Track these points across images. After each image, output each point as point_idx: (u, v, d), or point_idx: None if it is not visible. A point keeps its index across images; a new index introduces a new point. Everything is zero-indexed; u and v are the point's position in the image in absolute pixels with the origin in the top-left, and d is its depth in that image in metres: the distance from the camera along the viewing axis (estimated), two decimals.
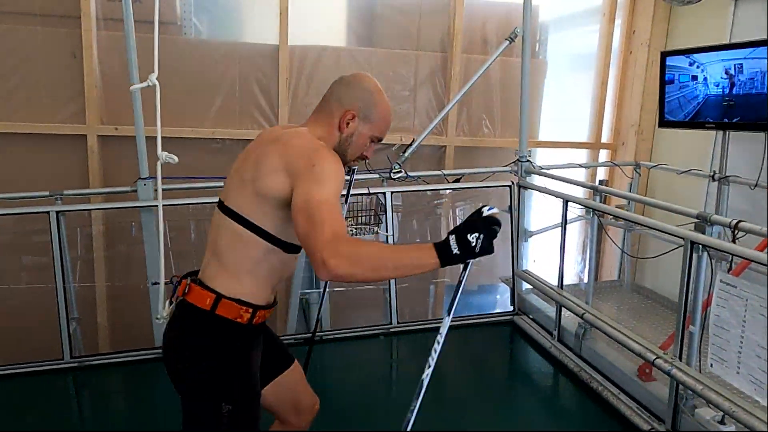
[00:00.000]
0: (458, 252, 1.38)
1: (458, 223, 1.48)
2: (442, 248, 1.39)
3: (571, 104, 4.77)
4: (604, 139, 4.86)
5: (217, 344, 1.63)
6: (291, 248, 1.64)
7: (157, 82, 1.63)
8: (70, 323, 3.36)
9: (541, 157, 4.62)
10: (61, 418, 2.90)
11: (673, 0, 3.58)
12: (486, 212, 1.44)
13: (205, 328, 1.62)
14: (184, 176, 3.54)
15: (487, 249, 1.40)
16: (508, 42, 3.78)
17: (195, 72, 3.96)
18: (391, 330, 3.75)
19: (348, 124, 1.70)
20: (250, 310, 1.64)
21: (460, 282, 1.49)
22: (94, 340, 3.89)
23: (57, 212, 3.32)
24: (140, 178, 3.46)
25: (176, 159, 1.65)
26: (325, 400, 2.11)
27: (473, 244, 1.38)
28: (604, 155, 4.89)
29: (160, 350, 3.37)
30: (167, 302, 1.70)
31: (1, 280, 3.78)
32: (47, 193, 3.42)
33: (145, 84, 1.65)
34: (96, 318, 3.94)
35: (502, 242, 4.24)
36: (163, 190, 3.47)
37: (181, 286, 1.66)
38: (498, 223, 1.42)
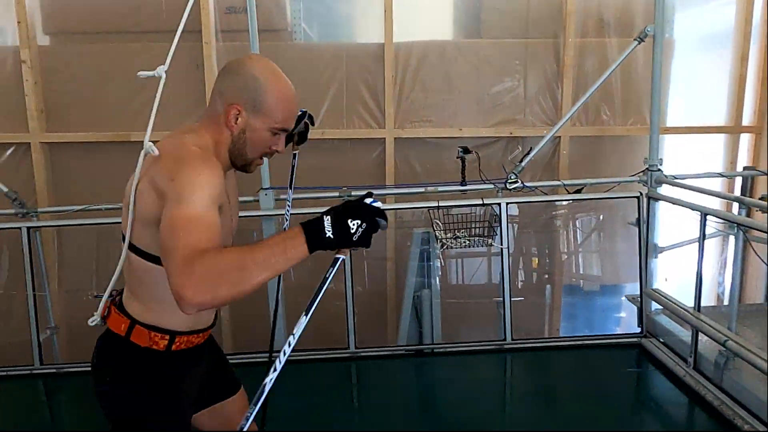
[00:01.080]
0: (331, 236, 1.17)
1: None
2: (312, 230, 1.17)
3: (703, 85, 4.21)
4: (746, 121, 4.19)
5: (135, 370, 1.49)
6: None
7: (164, 75, 1.55)
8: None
9: (670, 144, 4.03)
10: None
11: None
12: (369, 201, 1.21)
13: (122, 354, 1.49)
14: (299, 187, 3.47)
15: (365, 241, 1.19)
16: (636, 42, 3.39)
17: (305, 75, 3.93)
18: (505, 347, 3.51)
19: (236, 120, 1.42)
20: (167, 337, 1.48)
21: (325, 279, 1.23)
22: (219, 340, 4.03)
23: None
24: (262, 188, 3.50)
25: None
26: (432, 416, 1.91)
27: (353, 230, 1.18)
28: (746, 140, 4.21)
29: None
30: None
31: None
32: None
33: (152, 73, 1.58)
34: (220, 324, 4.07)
35: (628, 257, 3.90)
36: (278, 199, 3.59)
37: (103, 307, 1.52)
38: (385, 217, 1.21)
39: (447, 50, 4.00)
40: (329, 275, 1.23)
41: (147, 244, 1.39)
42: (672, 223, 3.57)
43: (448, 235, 3.26)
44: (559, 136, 4.02)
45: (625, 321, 4.04)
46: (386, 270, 4.04)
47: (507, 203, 3.39)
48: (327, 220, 1.18)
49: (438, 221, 3.33)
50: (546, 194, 3.66)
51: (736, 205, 3.02)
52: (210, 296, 1.10)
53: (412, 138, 4.03)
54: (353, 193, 3.54)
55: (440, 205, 3.35)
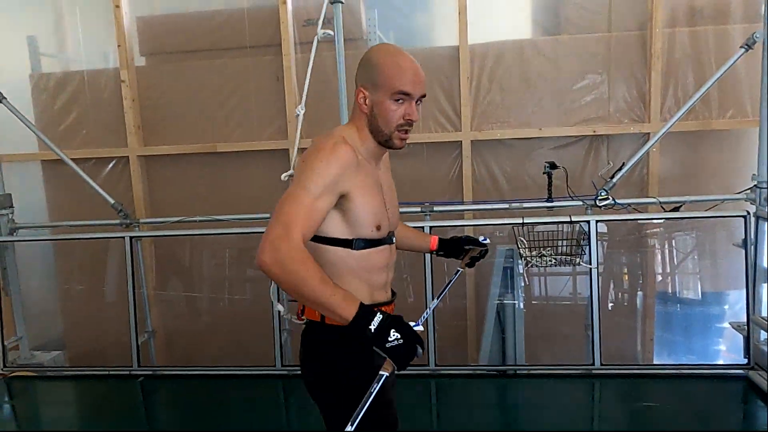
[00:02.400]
0: (372, 334, 1.29)
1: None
2: (361, 315, 1.31)
3: None
4: None
5: (335, 350, 1.53)
6: (343, 243, 1.51)
7: (300, 112, 1.86)
8: (282, 333, 3.49)
9: None
10: None
11: None
12: (415, 326, 1.34)
13: (321, 339, 1.55)
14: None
15: (396, 354, 1.29)
16: (744, 50, 3.04)
17: None
18: (593, 372, 3.22)
19: (365, 101, 1.52)
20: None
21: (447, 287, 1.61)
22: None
23: None
24: None
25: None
26: None
27: (390, 338, 1.29)
28: None
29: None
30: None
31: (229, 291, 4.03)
32: (267, 214, 3.54)
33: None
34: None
35: (733, 281, 3.48)
36: None
37: (298, 304, 1.60)
38: (421, 345, 1.32)
39: (524, 49, 3.76)
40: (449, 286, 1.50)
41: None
42: None
43: (533, 252, 3.00)
44: (648, 133, 3.63)
45: (729, 351, 3.59)
46: (466, 285, 3.83)
47: (597, 221, 3.12)
48: (378, 318, 1.31)
49: (523, 238, 3.12)
50: (639, 212, 3.34)
51: None
52: (275, 274, 1.30)
53: (489, 140, 3.82)
54: (435, 209, 3.41)
55: (525, 222, 3.14)
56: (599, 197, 3.15)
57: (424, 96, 1.53)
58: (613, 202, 3.14)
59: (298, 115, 2.66)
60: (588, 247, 3.07)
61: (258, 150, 4.00)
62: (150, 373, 3.59)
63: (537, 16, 3.85)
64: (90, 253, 4.15)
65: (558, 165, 3.21)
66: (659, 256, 3.73)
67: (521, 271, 3.30)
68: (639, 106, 3.69)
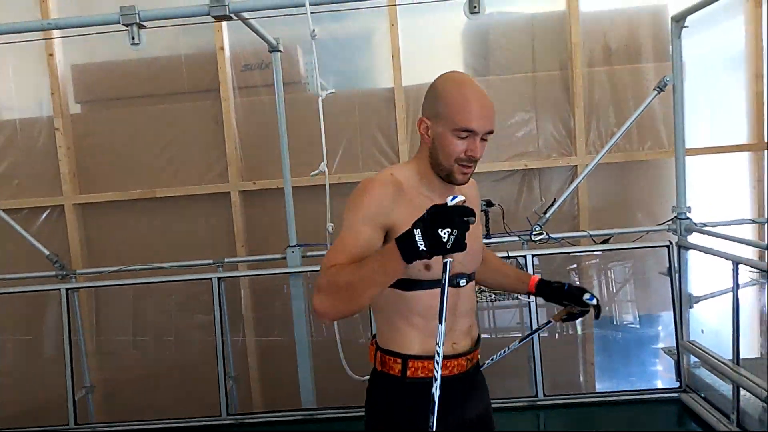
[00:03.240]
0: (425, 249, 1.13)
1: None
2: (404, 244, 1.14)
3: (721, 105, 3.93)
4: None
5: (380, 399, 1.45)
6: (400, 284, 1.36)
7: (326, 169, 1.76)
8: (228, 381, 3.32)
9: (691, 166, 3.67)
10: None
11: None
12: (452, 202, 1.15)
13: (373, 384, 1.48)
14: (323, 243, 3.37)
15: (459, 247, 1.13)
16: (656, 92, 3.19)
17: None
18: (538, 403, 3.23)
19: (427, 132, 1.41)
20: (399, 361, 1.41)
21: (443, 285, 1.22)
22: (248, 398, 3.87)
23: (218, 278, 3.40)
24: (289, 246, 3.44)
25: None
26: None
27: (444, 239, 1.12)
28: None
29: (307, 411, 3.26)
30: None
31: (175, 339, 3.90)
32: (211, 261, 3.52)
33: (318, 171, 1.82)
34: (249, 377, 3.93)
35: (662, 307, 3.56)
36: (309, 256, 3.46)
37: (371, 342, 1.53)
38: (471, 213, 1.15)
39: None
40: (444, 281, 1.22)
41: None
42: (708, 271, 3.28)
43: (475, 288, 3.00)
44: (576, 165, 3.75)
45: (666, 371, 3.67)
46: None
47: (533, 255, 3.18)
48: (417, 234, 1.14)
49: None
50: (572, 245, 3.42)
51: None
52: (331, 309, 1.20)
53: None
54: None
55: None
56: (534, 233, 3.21)
57: (491, 132, 1.40)
58: (547, 237, 3.20)
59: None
60: None
61: (199, 194, 3.91)
62: (88, 430, 3.37)
63: (468, 59, 3.95)
64: (25, 306, 3.90)
65: (494, 203, 3.26)
66: (596, 285, 3.80)
67: None
68: (566, 141, 3.82)
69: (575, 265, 3.76)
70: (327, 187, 1.46)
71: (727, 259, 2.68)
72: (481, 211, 3.32)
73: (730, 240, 2.94)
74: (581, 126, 3.76)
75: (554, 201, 3.30)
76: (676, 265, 3.19)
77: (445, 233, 1.11)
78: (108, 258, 3.84)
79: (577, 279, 3.76)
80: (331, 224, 1.62)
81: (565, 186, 3.81)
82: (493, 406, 3.09)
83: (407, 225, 1.24)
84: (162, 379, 3.84)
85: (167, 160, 3.93)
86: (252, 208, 3.95)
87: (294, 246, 3.38)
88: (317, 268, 3.38)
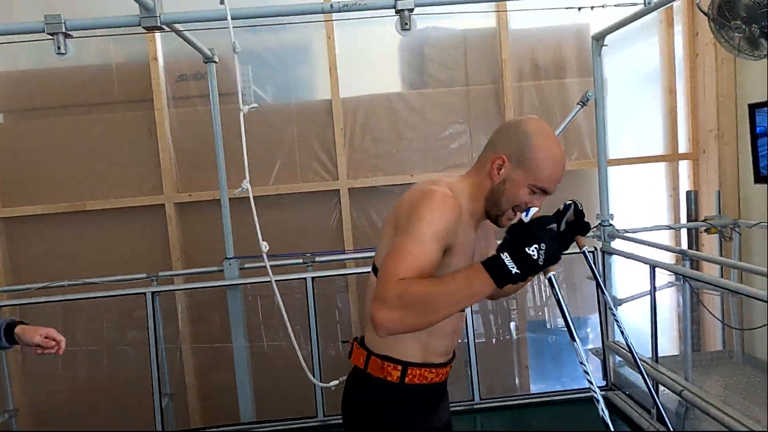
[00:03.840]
0: (518, 272, 1.11)
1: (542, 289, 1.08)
2: (496, 270, 1.11)
3: (639, 118, 4.16)
4: (682, 149, 4.06)
5: (371, 404, 1.42)
6: None
7: (249, 186, 1.72)
8: (163, 398, 3.20)
9: (613, 176, 3.85)
10: None
11: (744, 55, 2.71)
12: (527, 217, 1.20)
13: (362, 387, 1.44)
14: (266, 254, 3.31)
15: (554, 256, 1.11)
16: (580, 106, 3.31)
17: (258, 135, 3.71)
18: (475, 407, 3.28)
19: (499, 170, 1.35)
20: (399, 368, 1.39)
21: (559, 301, 1.20)
22: (185, 414, 3.76)
23: (152, 293, 3.27)
24: (226, 258, 3.36)
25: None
26: None
27: (535, 257, 1.10)
28: (684, 166, 4.10)
29: (246, 425, 3.19)
30: None
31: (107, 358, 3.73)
32: (144, 275, 3.38)
33: (240, 190, 1.75)
34: (186, 392, 3.81)
35: (590, 310, 3.66)
36: (247, 268, 3.39)
37: (348, 345, 1.51)
38: (551, 221, 1.16)
39: (393, 102, 3.93)
40: (558, 296, 1.19)
41: None
42: (630, 275, 3.43)
43: None
44: None
45: (595, 372, 3.80)
46: (351, 328, 3.84)
47: None
48: (506, 258, 1.11)
49: None
50: None
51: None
52: (397, 323, 1.14)
53: (366, 188, 3.86)
54: (317, 259, 3.35)
55: None
56: None
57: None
58: None
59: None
60: None
61: (132, 206, 3.77)
62: None
63: (404, 72, 4.01)
64: None
65: None
66: (530, 290, 3.91)
67: None
68: None
69: None
70: (252, 204, 1.42)
71: (645, 263, 2.82)
72: None
73: (648, 245, 3.11)
74: None
75: None
76: (600, 269, 3.32)
77: (533, 250, 1.09)
78: (34, 274, 3.63)
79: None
80: (265, 243, 1.58)
81: None
82: None
83: (457, 250, 1.30)
84: (94, 399, 3.66)
85: (98, 172, 3.78)
86: (188, 220, 3.85)
87: (231, 258, 3.31)
88: (255, 280, 3.37)
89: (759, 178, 3.17)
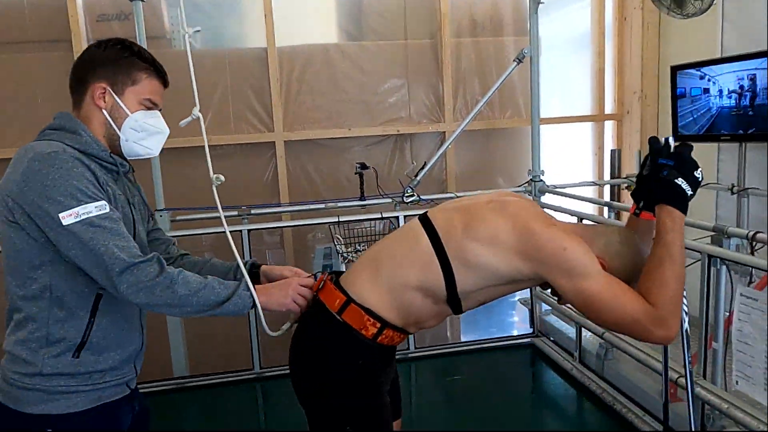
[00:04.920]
0: (692, 194, 1.20)
1: None
2: (679, 201, 1.19)
3: (570, 79, 4.25)
4: (608, 110, 4.19)
5: (339, 355, 1.33)
6: (453, 304, 1.32)
7: (199, 115, 1.44)
8: None
9: (544, 134, 3.92)
10: None
11: (673, 13, 2.78)
12: (673, 143, 1.23)
13: (329, 334, 1.34)
14: (197, 207, 3.20)
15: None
16: (516, 63, 3.34)
17: (188, 82, 3.39)
18: (409, 355, 3.35)
19: None
20: (378, 325, 1.31)
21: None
22: None
23: None
24: (157, 210, 3.19)
25: (223, 178, 1.47)
26: None
27: (700, 179, 1.20)
28: (609, 126, 4.22)
29: (179, 379, 3.09)
30: None
31: None
32: None
33: (189, 119, 1.45)
34: None
35: None
36: (179, 220, 3.21)
37: (318, 281, 1.38)
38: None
39: (331, 53, 3.78)
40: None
41: (465, 282, 1.29)
42: None
43: (350, 249, 2.99)
44: (444, 131, 3.86)
45: (521, 323, 3.97)
46: None
47: (405, 216, 3.22)
48: (682, 183, 1.18)
49: (339, 236, 3.12)
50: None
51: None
52: (678, 320, 1.16)
53: (302, 141, 3.72)
54: (252, 212, 3.25)
55: (340, 220, 3.14)
56: (406, 194, 3.26)
57: None
58: (418, 198, 3.26)
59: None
60: None
61: None
62: None
63: (342, 23, 3.87)
64: None
65: (368, 165, 3.25)
66: None
67: (342, 268, 3.28)
68: (435, 108, 3.90)
69: None
70: (204, 132, 1.28)
71: (572, 215, 2.92)
72: (356, 173, 3.31)
73: (576, 199, 3.23)
74: (449, 94, 3.86)
75: (425, 164, 3.36)
76: None
77: (699, 173, 1.19)
78: None
79: None
80: (217, 175, 1.43)
81: (434, 151, 3.91)
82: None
83: None
84: None
85: (8, 117, 3.43)
86: None
87: (161, 210, 3.15)
88: (187, 232, 3.21)
89: (678, 137, 3.30)
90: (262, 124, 3.70)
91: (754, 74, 2.79)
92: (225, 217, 3.10)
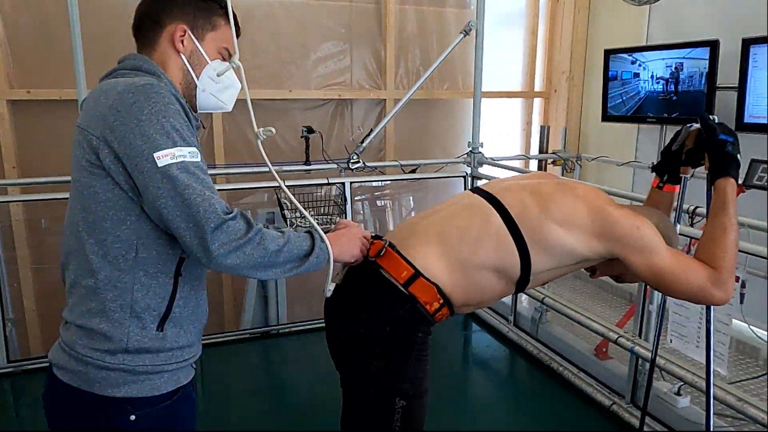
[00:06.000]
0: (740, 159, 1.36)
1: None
2: (735, 167, 1.33)
3: (502, 55, 4.31)
4: (537, 87, 4.35)
5: (401, 329, 1.28)
6: (521, 284, 1.34)
7: (240, 64, 1.21)
8: (6, 325, 2.78)
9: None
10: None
11: (629, 1, 2.95)
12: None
13: (394, 304, 1.27)
14: None
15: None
16: (463, 35, 3.37)
17: (111, 31, 3.07)
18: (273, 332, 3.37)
19: None
20: (441, 301, 1.29)
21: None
22: (26, 342, 3.29)
23: None
24: None
25: (273, 131, 1.24)
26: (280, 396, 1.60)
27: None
28: (537, 103, 4.41)
29: None
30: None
31: None
32: None
33: (227, 67, 1.22)
34: (25, 319, 3.33)
35: None
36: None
37: (376, 246, 1.30)
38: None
39: (274, 8, 3.58)
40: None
41: (540, 262, 1.30)
42: None
43: (297, 214, 2.92)
44: (384, 99, 3.84)
45: None
46: None
47: (351, 182, 3.21)
48: (733, 150, 1.34)
49: (286, 201, 3.00)
50: (384, 173, 3.56)
51: None
52: (733, 281, 1.28)
53: (240, 100, 3.50)
54: None
55: (286, 185, 3.04)
56: (352, 161, 3.22)
57: None
58: (363, 165, 3.24)
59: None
60: (345, 206, 3.13)
61: None
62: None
63: None
64: None
65: (315, 129, 3.18)
66: (399, 212, 4.02)
67: None
68: (377, 75, 3.86)
69: (385, 192, 3.95)
70: (247, 92, 1.12)
71: None
72: (302, 137, 3.23)
73: (512, 171, 3.37)
74: (391, 62, 3.83)
75: (371, 131, 3.35)
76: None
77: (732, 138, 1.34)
78: None
79: (389, 204, 3.99)
80: (266, 129, 1.26)
81: (374, 118, 3.89)
82: (310, 327, 3.28)
83: None
84: None
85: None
86: (25, 121, 3.23)
87: None
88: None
89: (606, 117, 3.54)
90: None
91: (681, 63, 3.03)
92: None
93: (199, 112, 1.22)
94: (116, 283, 1.04)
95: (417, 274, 1.27)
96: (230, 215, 1.01)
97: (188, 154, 1.00)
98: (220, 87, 1.21)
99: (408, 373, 1.29)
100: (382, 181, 3.66)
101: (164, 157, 0.97)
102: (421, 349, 1.31)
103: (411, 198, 4.09)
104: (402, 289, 1.27)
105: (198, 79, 1.17)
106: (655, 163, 1.53)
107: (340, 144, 3.68)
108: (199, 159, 1.03)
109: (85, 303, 1.06)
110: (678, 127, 1.50)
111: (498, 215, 1.30)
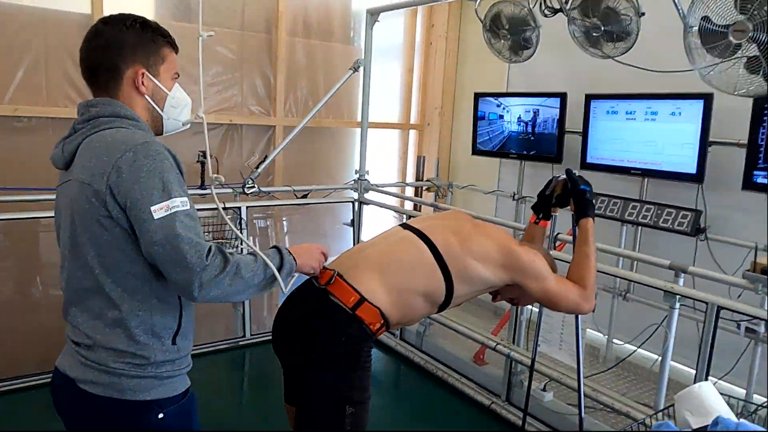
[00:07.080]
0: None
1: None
2: (592, 210, 1.73)
3: (381, 88, 4.60)
4: (413, 120, 4.76)
5: (350, 346, 1.49)
6: (443, 306, 1.62)
7: (204, 116, 1.37)
8: None
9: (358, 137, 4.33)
10: None
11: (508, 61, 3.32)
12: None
13: (343, 325, 1.48)
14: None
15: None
16: (352, 71, 3.61)
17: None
18: (240, 343, 3.44)
19: None
20: (382, 321, 1.52)
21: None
22: None
23: None
24: None
25: (222, 179, 1.50)
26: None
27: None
28: (413, 134, 4.83)
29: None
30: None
31: None
32: None
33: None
34: None
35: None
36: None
37: (326, 276, 1.50)
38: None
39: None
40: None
41: (460, 289, 1.59)
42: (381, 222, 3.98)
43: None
44: (274, 125, 3.98)
45: None
46: None
47: (247, 207, 3.28)
48: (589, 193, 1.76)
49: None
50: (277, 198, 3.67)
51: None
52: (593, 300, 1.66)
53: None
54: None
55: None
56: (247, 185, 3.30)
57: None
58: (258, 190, 3.34)
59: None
60: (241, 230, 3.21)
61: None
62: None
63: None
64: None
65: (211, 154, 3.21)
66: (296, 236, 4.16)
67: None
68: (267, 102, 3.98)
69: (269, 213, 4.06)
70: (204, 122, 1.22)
71: (391, 209, 3.49)
72: (197, 161, 3.27)
73: (397, 197, 3.70)
74: (281, 90, 3.97)
75: (265, 157, 3.46)
76: (357, 217, 3.76)
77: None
78: None
79: (285, 228, 4.10)
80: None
81: (263, 143, 4.01)
82: (203, 350, 3.24)
83: None
84: None
85: None
86: None
87: None
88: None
89: (475, 151, 4.02)
90: (82, 98, 3.30)
91: (538, 109, 3.59)
92: (44, 200, 2.80)
93: (164, 135, 1.35)
94: (137, 312, 1.21)
95: (362, 299, 1.49)
96: (210, 255, 1.16)
97: (180, 204, 1.15)
98: (179, 109, 1.34)
99: (356, 382, 1.49)
100: (277, 205, 3.78)
101: (159, 210, 1.13)
102: (366, 361, 1.52)
103: (284, 220, 4.27)
104: (350, 312, 1.48)
105: (163, 110, 1.30)
106: (533, 204, 1.93)
107: (230, 168, 3.73)
108: (189, 207, 1.18)
109: (114, 331, 1.21)
110: (536, 163, 2.02)
111: (428, 249, 1.56)
